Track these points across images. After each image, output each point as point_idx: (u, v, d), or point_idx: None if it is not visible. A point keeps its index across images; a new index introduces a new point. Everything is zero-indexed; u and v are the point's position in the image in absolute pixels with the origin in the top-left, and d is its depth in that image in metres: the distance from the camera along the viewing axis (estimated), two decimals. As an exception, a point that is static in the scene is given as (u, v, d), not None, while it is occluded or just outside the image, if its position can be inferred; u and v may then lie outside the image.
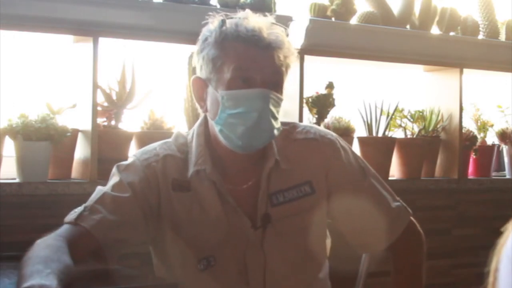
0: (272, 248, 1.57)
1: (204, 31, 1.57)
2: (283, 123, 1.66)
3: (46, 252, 1.32)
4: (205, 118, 1.61)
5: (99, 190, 1.55)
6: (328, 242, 1.73)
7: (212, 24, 1.55)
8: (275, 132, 1.53)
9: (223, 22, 1.53)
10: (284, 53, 1.53)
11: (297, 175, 1.61)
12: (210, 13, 1.57)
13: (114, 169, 1.59)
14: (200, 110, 1.62)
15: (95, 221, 1.47)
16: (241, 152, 1.54)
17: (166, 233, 1.57)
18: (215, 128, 1.55)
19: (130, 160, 1.60)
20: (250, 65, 1.49)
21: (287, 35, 1.56)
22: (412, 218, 1.73)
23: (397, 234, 1.68)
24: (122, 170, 1.57)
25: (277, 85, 1.53)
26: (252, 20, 1.53)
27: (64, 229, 1.46)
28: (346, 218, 1.67)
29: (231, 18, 1.54)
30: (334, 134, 1.70)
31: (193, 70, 1.65)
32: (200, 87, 1.57)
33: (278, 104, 1.53)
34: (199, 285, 1.57)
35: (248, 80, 1.49)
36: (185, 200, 1.56)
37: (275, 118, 1.52)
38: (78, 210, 1.50)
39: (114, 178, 1.56)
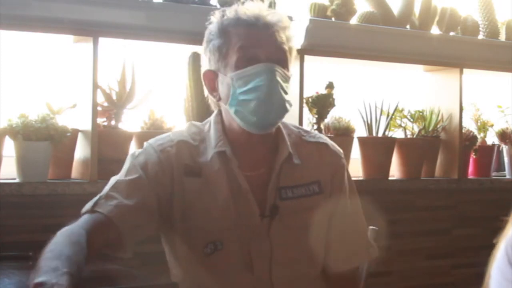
0: (278, 238, 1.60)
1: (208, 27, 1.64)
2: (295, 126, 1.74)
3: (69, 250, 1.32)
4: (220, 110, 1.67)
5: (113, 179, 1.59)
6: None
7: (214, 17, 1.63)
8: (287, 105, 1.58)
9: (223, 12, 1.61)
10: (286, 34, 1.61)
11: (307, 174, 1.66)
12: (212, 13, 1.64)
13: (128, 157, 1.63)
14: (213, 103, 1.67)
15: (111, 207, 1.50)
16: (257, 132, 1.58)
17: (176, 217, 1.59)
18: (230, 112, 1.59)
19: (144, 147, 1.64)
20: (253, 44, 1.56)
21: (290, 19, 1.64)
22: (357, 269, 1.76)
23: (342, 268, 1.70)
24: (136, 156, 1.61)
25: (281, 61, 1.59)
26: (251, 4, 1.61)
27: (83, 219, 1.48)
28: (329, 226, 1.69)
29: (231, 8, 1.62)
30: (341, 150, 1.76)
31: (198, 72, 1.69)
32: (211, 79, 1.64)
33: (285, 79, 1.58)
34: (204, 269, 1.59)
35: (253, 58, 1.56)
36: (196, 185, 1.60)
37: (285, 92, 1.57)
38: (94, 199, 1.52)
39: (127, 165, 1.61)
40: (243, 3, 1.61)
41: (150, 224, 1.57)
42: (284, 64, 1.59)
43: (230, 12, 1.60)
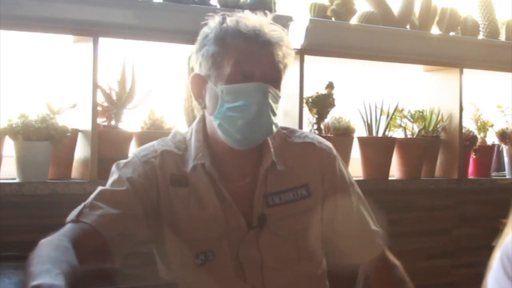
0: (268, 246, 1.58)
1: (204, 29, 1.59)
2: (282, 128, 1.68)
3: (56, 253, 1.31)
4: (203, 115, 1.63)
5: (98, 188, 1.56)
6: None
7: (213, 21, 1.57)
8: (273, 128, 1.55)
9: (223, 19, 1.56)
10: (283, 52, 1.56)
11: (294, 178, 1.63)
12: (210, 14, 1.59)
13: (113, 167, 1.60)
14: (196, 109, 1.64)
15: (96, 216, 1.47)
16: (239, 148, 1.55)
17: (165, 228, 1.58)
18: (213, 123, 1.56)
19: (128, 158, 1.62)
20: (250, 60, 1.52)
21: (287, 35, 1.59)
22: (386, 250, 1.75)
23: (373, 255, 1.70)
24: (121, 167, 1.58)
25: (275, 82, 1.55)
26: (253, 17, 1.56)
27: (67, 228, 1.46)
28: (329, 224, 1.68)
29: (232, 16, 1.57)
30: (331, 144, 1.72)
31: (191, 70, 1.66)
32: (199, 84, 1.59)
33: (276, 100, 1.55)
34: (197, 280, 1.58)
35: (248, 74, 1.51)
36: (183, 195, 1.58)
37: (274, 114, 1.54)
38: (78, 208, 1.50)
39: (113, 176, 1.58)
40: (244, 17, 1.56)
41: (136, 233, 1.55)
42: (277, 84, 1.55)
43: (230, 20, 1.55)
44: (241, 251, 1.57)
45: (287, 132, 1.69)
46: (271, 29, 1.55)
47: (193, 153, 1.59)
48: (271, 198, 1.60)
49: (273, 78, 1.54)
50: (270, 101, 1.51)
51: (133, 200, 1.53)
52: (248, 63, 1.51)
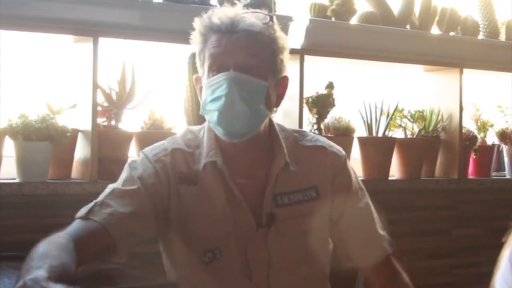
0: (276, 246, 1.59)
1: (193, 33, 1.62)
2: (294, 131, 1.69)
3: (46, 249, 1.31)
4: None
5: (109, 186, 1.57)
6: (330, 246, 1.74)
7: (195, 23, 1.61)
8: (252, 115, 1.53)
9: (202, 17, 1.59)
10: (260, 37, 1.54)
11: (304, 180, 1.63)
12: (196, 18, 1.61)
13: (125, 166, 1.61)
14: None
15: (106, 215, 1.48)
16: (230, 140, 1.56)
17: (173, 226, 1.58)
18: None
19: (140, 157, 1.63)
20: (221, 51, 1.53)
21: (269, 21, 1.57)
22: (393, 257, 1.74)
23: (378, 258, 1.70)
24: (133, 166, 1.59)
25: (252, 69, 1.53)
26: (224, 9, 1.57)
27: (74, 225, 1.46)
28: (335, 225, 1.68)
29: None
30: (341, 148, 1.73)
31: (194, 72, 1.69)
32: (197, 84, 1.63)
33: (254, 87, 1.53)
34: (203, 278, 1.58)
35: (221, 66, 1.53)
36: (192, 193, 1.58)
37: (250, 101, 1.52)
38: (89, 205, 1.51)
39: (124, 174, 1.59)
40: (217, 10, 1.58)
41: (145, 232, 1.56)
42: (255, 72, 1.53)
43: (205, 17, 1.57)
44: (249, 250, 1.58)
45: (298, 136, 1.69)
46: (244, 16, 1.55)
47: (205, 150, 1.61)
48: (280, 198, 1.60)
49: (248, 65, 1.53)
50: (240, 88, 1.51)
51: (144, 200, 1.54)
52: (221, 55, 1.53)
